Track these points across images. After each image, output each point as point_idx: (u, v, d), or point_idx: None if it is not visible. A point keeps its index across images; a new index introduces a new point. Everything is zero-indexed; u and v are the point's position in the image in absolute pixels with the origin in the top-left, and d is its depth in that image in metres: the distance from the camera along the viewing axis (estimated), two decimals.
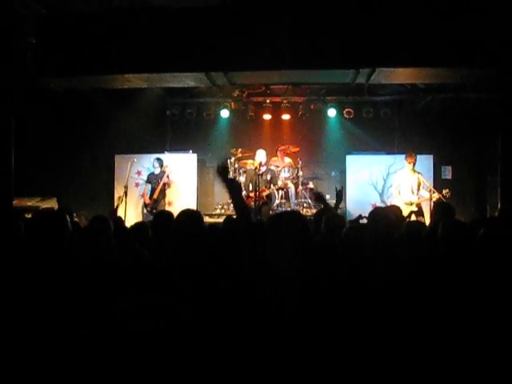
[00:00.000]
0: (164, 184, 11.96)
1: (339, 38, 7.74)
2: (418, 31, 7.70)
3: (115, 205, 7.29)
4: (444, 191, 9.96)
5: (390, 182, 12.32)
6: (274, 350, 2.76)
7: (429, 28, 7.70)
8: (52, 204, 11.96)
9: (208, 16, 7.96)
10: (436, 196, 10.08)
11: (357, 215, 11.02)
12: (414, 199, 10.47)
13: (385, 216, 5.34)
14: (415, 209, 10.39)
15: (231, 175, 12.91)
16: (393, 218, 5.61)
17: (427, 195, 10.41)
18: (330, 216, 5.33)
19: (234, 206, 4.25)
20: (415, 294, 3.29)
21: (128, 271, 3.69)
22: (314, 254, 3.37)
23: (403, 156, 11.49)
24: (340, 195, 6.60)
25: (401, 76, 8.88)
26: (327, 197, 13.29)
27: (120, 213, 11.76)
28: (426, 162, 11.96)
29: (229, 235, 4.36)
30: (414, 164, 10.65)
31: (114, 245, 4.80)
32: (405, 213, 9.53)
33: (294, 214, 3.38)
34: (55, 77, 8.44)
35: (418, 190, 10.60)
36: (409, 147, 12.76)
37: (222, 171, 4.19)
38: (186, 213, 3.90)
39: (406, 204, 10.29)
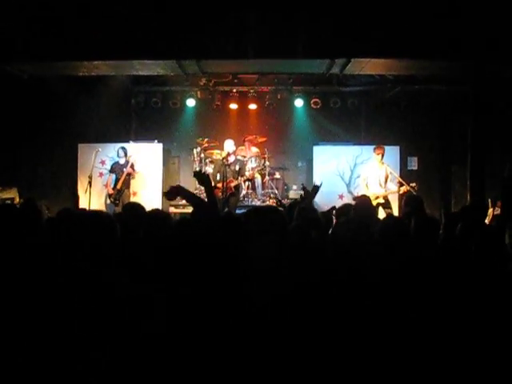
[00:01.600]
0: (128, 174, 11.75)
1: (316, 28, 7.65)
2: (393, 23, 7.69)
3: (78, 195, 7.11)
4: (412, 184, 9.98)
5: (357, 173, 12.35)
6: (254, 343, 2.68)
7: (404, 20, 7.70)
8: (13, 194, 11.69)
9: (180, 3, 7.77)
10: (404, 189, 10.11)
11: (325, 206, 11.10)
12: (382, 192, 10.45)
13: (367, 208, 5.36)
14: (382, 201, 10.39)
15: (197, 165, 12.78)
16: (372, 210, 5.65)
17: (395, 187, 10.45)
18: (302, 208, 5.25)
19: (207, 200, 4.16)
20: (397, 289, 3.25)
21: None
22: (294, 250, 3.32)
23: (370, 147, 11.57)
24: (316, 190, 6.58)
25: (375, 67, 8.87)
26: (294, 187, 13.44)
27: (84, 203, 11.56)
28: (392, 152, 11.97)
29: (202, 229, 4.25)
30: (383, 156, 10.65)
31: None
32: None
33: (274, 211, 3.32)
34: (19, 62, 8.15)
35: (386, 182, 10.60)
36: (376, 138, 12.84)
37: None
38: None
39: (373, 197, 10.27)
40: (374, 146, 11.01)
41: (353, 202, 8.84)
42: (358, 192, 11.74)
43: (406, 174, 11.71)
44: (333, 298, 3.00)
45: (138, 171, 12.09)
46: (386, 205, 10.46)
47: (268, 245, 3.08)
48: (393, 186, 10.51)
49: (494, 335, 2.99)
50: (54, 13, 7.70)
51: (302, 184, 6.90)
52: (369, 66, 8.55)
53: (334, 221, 5.79)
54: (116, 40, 7.67)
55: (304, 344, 2.70)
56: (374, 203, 10.15)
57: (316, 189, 6.69)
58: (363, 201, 6.05)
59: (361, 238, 3.72)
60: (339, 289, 3.11)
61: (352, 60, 7.99)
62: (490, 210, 10.32)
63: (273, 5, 7.60)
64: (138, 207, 4.86)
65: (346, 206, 5.98)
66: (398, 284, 3.33)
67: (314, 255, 3.67)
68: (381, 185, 10.55)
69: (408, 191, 9.94)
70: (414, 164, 13.17)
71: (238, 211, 10.72)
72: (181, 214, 11.69)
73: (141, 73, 9.42)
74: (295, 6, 7.59)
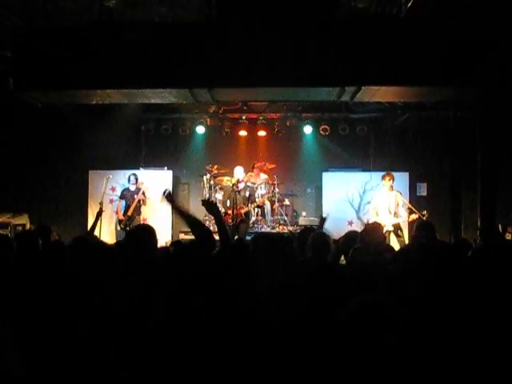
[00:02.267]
0: (139, 201, 11.82)
1: (326, 56, 7.71)
2: (404, 50, 7.74)
3: (92, 223, 7.14)
4: (423, 212, 9.88)
5: (367, 199, 12.38)
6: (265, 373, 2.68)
7: (414, 47, 7.74)
8: (23, 220, 11.78)
9: (193, 31, 7.85)
10: (414, 217, 10.03)
11: (334, 233, 11.07)
12: (392, 220, 10.35)
13: (377, 234, 5.36)
14: (391, 228, 10.31)
15: (207, 192, 12.82)
16: (382, 237, 5.65)
17: (405, 214, 10.36)
18: (317, 235, 5.27)
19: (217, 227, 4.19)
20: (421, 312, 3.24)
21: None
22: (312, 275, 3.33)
23: (380, 173, 11.53)
24: (323, 221, 6.85)
25: (385, 94, 8.90)
26: (303, 214, 13.45)
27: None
28: (401, 179, 12.01)
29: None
30: (392, 182, 10.58)
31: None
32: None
33: (284, 238, 3.36)
34: (34, 91, 8.25)
35: (397, 209, 10.51)
36: (385, 164, 12.87)
37: (207, 205, 4.24)
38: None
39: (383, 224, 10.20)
40: (382, 173, 10.97)
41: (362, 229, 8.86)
42: (369, 218, 11.74)
43: (415, 200, 11.70)
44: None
45: (149, 198, 12.16)
46: (396, 232, 10.40)
47: (277, 270, 3.11)
48: (403, 213, 10.43)
49: None
50: (68, 42, 7.81)
51: (321, 215, 7.11)
52: (379, 94, 8.59)
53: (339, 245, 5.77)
54: (129, 69, 7.73)
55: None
56: (384, 231, 10.12)
57: (323, 220, 6.85)
58: (372, 228, 6.03)
59: (379, 263, 3.72)
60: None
61: (362, 88, 8.03)
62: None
63: (283, 33, 7.68)
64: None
65: (352, 233, 5.93)
66: (422, 306, 3.32)
67: (333, 279, 3.67)
68: (390, 212, 10.47)
69: (418, 219, 9.88)
70: (423, 190, 13.17)
71: (247, 238, 10.72)
72: (190, 241, 11.66)
73: (153, 101, 9.47)
74: (305, 33, 7.67)
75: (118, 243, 5.79)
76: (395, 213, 10.46)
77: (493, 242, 6.31)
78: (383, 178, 10.72)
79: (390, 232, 10.20)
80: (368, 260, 4.14)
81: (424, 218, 9.76)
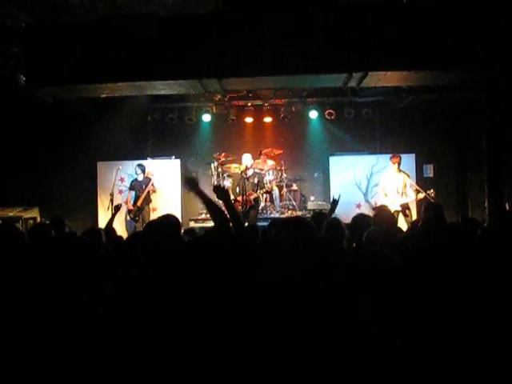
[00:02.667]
0: (149, 191, 11.95)
1: (333, 43, 7.77)
2: (409, 35, 7.79)
3: (110, 217, 7.21)
4: (429, 191, 10.07)
5: (374, 182, 12.50)
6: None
7: (418, 32, 7.79)
8: (34, 214, 11.88)
9: (200, 23, 7.93)
10: (421, 196, 10.22)
11: (343, 216, 11.21)
12: (400, 200, 10.56)
13: (388, 217, 5.46)
14: (399, 208, 10.50)
15: (215, 179, 12.91)
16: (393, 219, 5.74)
17: (413, 194, 10.54)
18: (331, 221, 5.35)
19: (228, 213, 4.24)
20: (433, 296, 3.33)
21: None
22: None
23: (386, 156, 11.82)
24: (336, 202, 6.77)
25: (391, 79, 8.96)
26: (312, 198, 13.54)
27: (105, 220, 11.72)
28: (408, 160, 12.10)
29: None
30: (399, 164, 10.78)
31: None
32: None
33: (304, 223, 3.43)
34: (46, 87, 8.34)
35: (404, 189, 10.69)
36: (391, 147, 12.97)
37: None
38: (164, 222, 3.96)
39: (392, 204, 10.36)
40: (390, 155, 11.12)
41: (371, 212, 9.01)
42: (376, 201, 11.92)
43: (422, 182, 11.81)
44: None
45: (158, 187, 12.28)
46: (404, 211, 10.59)
47: (297, 256, 3.18)
48: (411, 193, 10.61)
49: None
50: (77, 37, 7.89)
51: (333, 196, 7.07)
52: (385, 79, 8.66)
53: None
54: (138, 62, 7.81)
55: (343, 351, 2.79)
56: (392, 211, 10.28)
57: (335, 202, 6.90)
58: (383, 210, 6.12)
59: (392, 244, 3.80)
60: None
61: (369, 73, 8.09)
62: None
63: (289, 21, 7.74)
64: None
65: (360, 217, 5.96)
66: (431, 289, 3.41)
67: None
68: (399, 192, 10.66)
69: (425, 198, 10.03)
70: (429, 171, 13.23)
71: (258, 223, 10.85)
72: (200, 228, 11.78)
73: (163, 92, 9.57)
74: (311, 21, 7.72)
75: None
76: (403, 193, 10.64)
77: (502, 220, 6.40)
78: (390, 159, 10.94)
79: (398, 212, 10.39)
80: (382, 242, 4.23)
81: (431, 197, 9.93)
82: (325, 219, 5.56)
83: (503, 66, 7.93)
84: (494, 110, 9.63)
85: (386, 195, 10.82)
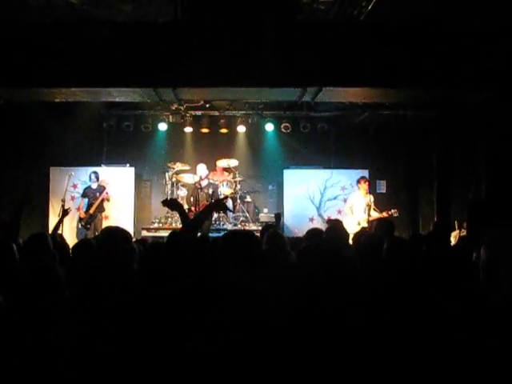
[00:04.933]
0: (102, 199, 11.82)
1: (288, 57, 7.84)
2: (364, 53, 7.92)
3: (57, 222, 7.09)
4: (392, 211, 10.44)
5: (327, 196, 12.67)
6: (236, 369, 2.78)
7: (373, 50, 7.93)
8: None
9: (158, 31, 7.91)
10: (385, 215, 10.55)
11: (295, 229, 11.30)
12: (365, 217, 10.82)
13: (340, 231, 5.52)
14: (366, 225, 10.73)
15: (169, 189, 12.84)
16: (345, 234, 5.81)
17: (376, 214, 10.82)
18: (272, 232, 5.37)
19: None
20: (372, 309, 3.39)
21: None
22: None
23: (340, 170, 12.62)
24: (278, 217, 7.00)
25: (345, 95, 9.12)
26: (265, 210, 13.59)
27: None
28: (361, 176, 12.24)
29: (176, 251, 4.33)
30: (368, 187, 11.19)
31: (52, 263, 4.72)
32: (357, 229, 10.00)
33: (249, 236, 3.45)
34: None
35: (369, 211, 10.94)
36: (345, 162, 13.16)
37: (170, 203, 4.27)
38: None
39: (357, 222, 10.62)
40: (358, 177, 11.56)
41: (323, 226, 9.10)
42: (329, 215, 12.13)
43: (375, 197, 11.95)
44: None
45: (110, 195, 12.15)
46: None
47: (244, 268, 3.20)
48: (375, 214, 10.90)
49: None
50: (33, 39, 7.77)
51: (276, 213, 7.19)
52: (340, 94, 8.82)
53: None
54: (94, 68, 7.74)
55: (290, 363, 2.81)
56: (359, 228, 10.51)
57: (278, 216, 7.00)
58: (336, 224, 6.18)
59: (332, 261, 3.84)
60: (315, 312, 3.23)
61: (323, 89, 8.20)
62: (457, 232, 10.63)
63: (246, 34, 7.78)
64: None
65: (315, 230, 6.02)
66: (373, 303, 3.47)
67: (292, 276, 3.79)
68: (365, 211, 10.90)
69: (390, 215, 10.44)
70: (382, 187, 13.42)
71: (210, 234, 10.84)
72: (153, 237, 11.70)
73: (117, 99, 9.51)
74: (268, 34, 7.79)
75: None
76: (369, 214, 10.87)
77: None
78: (359, 181, 11.37)
79: (363, 228, 10.60)
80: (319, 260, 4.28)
81: (394, 217, 10.30)
82: None
83: (453, 86, 8.14)
84: (444, 128, 9.86)
85: (352, 212, 11.06)
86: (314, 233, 5.81)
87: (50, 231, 6.60)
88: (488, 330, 2.86)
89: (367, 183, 11.25)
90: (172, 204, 4.35)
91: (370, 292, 3.63)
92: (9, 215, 11.18)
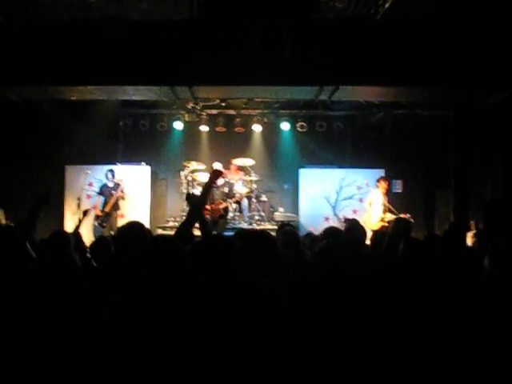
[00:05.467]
0: (118, 197, 11.85)
1: (305, 56, 7.82)
2: (380, 51, 7.88)
3: (78, 222, 7.11)
4: (407, 215, 10.45)
5: (343, 195, 12.63)
6: (253, 367, 2.77)
7: (389, 49, 7.90)
8: None
9: (174, 29, 7.93)
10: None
11: (310, 228, 11.28)
12: (381, 216, 10.83)
13: (359, 230, 5.50)
14: (386, 224, 10.70)
15: (185, 187, 12.86)
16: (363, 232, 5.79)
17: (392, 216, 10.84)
18: (285, 231, 5.34)
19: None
20: (386, 304, 3.38)
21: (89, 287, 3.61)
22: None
23: (356, 170, 12.66)
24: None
25: (362, 94, 9.10)
26: (281, 210, 13.55)
27: (71, 225, 11.57)
28: (377, 175, 12.17)
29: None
30: (388, 187, 11.33)
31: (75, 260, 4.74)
32: (377, 227, 10.38)
33: (267, 236, 3.44)
34: (15, 86, 8.24)
35: (385, 210, 10.96)
36: (361, 161, 13.10)
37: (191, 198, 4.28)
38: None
39: (378, 219, 10.73)
40: (377, 177, 11.58)
41: (339, 225, 9.07)
42: (344, 214, 12.11)
43: (391, 197, 11.89)
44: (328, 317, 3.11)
45: (126, 194, 12.18)
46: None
47: (261, 268, 3.19)
48: (389, 215, 10.91)
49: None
50: (49, 38, 7.81)
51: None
52: (356, 93, 8.79)
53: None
54: (111, 66, 7.77)
55: (305, 362, 2.80)
56: (379, 225, 10.49)
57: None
58: (355, 223, 6.16)
59: (351, 258, 3.83)
60: (334, 307, 3.22)
61: (340, 87, 8.17)
62: (473, 232, 10.54)
63: (263, 33, 7.77)
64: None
65: (332, 229, 6.00)
66: (388, 299, 3.46)
67: (307, 275, 3.77)
68: (382, 210, 10.91)
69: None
70: (398, 187, 13.35)
71: (225, 233, 10.84)
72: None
73: (134, 98, 9.55)
74: (285, 33, 7.77)
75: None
76: (384, 213, 10.88)
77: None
78: (378, 181, 11.38)
79: (383, 226, 10.59)
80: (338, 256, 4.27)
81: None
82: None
83: (471, 85, 8.07)
84: (462, 128, 9.79)
85: (370, 206, 11.20)
86: (331, 231, 5.79)
87: (71, 230, 6.60)
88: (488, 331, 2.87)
89: (387, 183, 11.27)
90: (195, 200, 4.35)
91: (385, 291, 3.63)
92: (25, 213, 11.45)
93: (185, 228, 4.06)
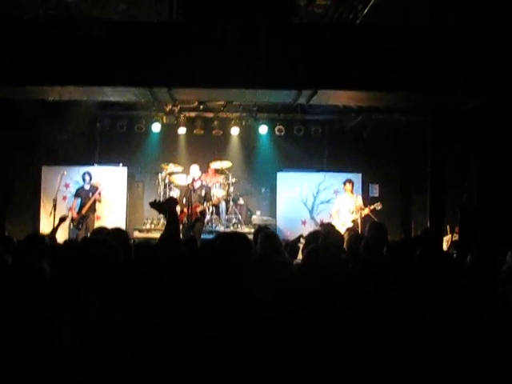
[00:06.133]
0: (94, 200, 11.74)
1: (283, 60, 7.83)
2: (358, 56, 7.92)
3: (54, 226, 7.06)
4: (375, 204, 10.52)
5: (320, 199, 12.67)
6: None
7: (368, 53, 7.93)
8: None
9: (153, 31, 7.89)
10: (367, 211, 10.59)
11: (288, 232, 11.29)
12: (351, 217, 10.87)
13: (337, 234, 5.52)
14: (350, 225, 10.74)
15: (162, 190, 12.81)
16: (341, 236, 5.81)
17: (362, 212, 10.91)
18: (266, 235, 5.33)
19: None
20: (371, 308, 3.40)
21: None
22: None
23: (333, 174, 12.60)
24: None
25: (340, 98, 9.13)
26: (258, 213, 13.57)
27: (47, 226, 11.45)
28: (354, 180, 12.22)
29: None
30: (352, 188, 11.34)
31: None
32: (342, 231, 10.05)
33: (243, 238, 3.42)
34: None
35: (360, 210, 11.04)
36: (338, 165, 13.17)
37: (156, 206, 4.19)
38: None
39: (342, 224, 10.61)
40: (338, 176, 11.54)
41: (317, 228, 9.11)
42: (322, 218, 12.14)
43: (368, 201, 11.96)
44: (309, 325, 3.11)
45: (103, 196, 12.08)
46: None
47: (238, 270, 3.18)
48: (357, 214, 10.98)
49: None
50: (26, 36, 7.71)
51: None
52: (334, 97, 8.83)
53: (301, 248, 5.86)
54: (89, 66, 7.70)
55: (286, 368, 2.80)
56: (343, 230, 10.51)
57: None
58: (331, 228, 6.19)
59: (334, 263, 3.84)
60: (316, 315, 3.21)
61: (318, 91, 8.20)
62: (449, 237, 10.64)
63: (241, 35, 7.76)
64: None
65: (315, 233, 6.01)
66: (373, 303, 3.48)
67: (287, 281, 3.77)
68: (351, 212, 10.95)
69: (373, 211, 10.48)
70: (375, 191, 13.44)
71: (202, 236, 10.81)
72: (144, 238, 11.67)
73: (112, 98, 9.49)
74: (264, 36, 7.78)
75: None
76: (353, 212, 10.93)
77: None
78: (344, 184, 11.45)
79: (348, 228, 10.59)
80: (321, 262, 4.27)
81: (378, 208, 10.76)
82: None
83: (447, 91, 8.15)
84: (438, 133, 9.88)
85: (338, 216, 11.11)
86: (315, 235, 5.77)
87: (46, 233, 6.53)
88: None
89: (351, 184, 11.35)
90: (160, 206, 4.25)
91: (371, 294, 3.65)
92: None
93: (169, 234, 4.00)
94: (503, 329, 3.21)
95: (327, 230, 6.00)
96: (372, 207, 10.82)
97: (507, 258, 4.07)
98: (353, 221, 10.84)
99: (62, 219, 7.38)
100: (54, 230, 6.72)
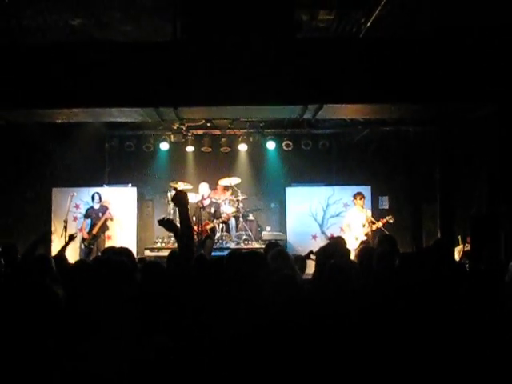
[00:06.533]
0: (106, 219, 11.80)
1: (288, 75, 7.85)
2: (364, 70, 7.93)
3: (63, 245, 7.06)
4: (387, 217, 10.45)
5: (330, 213, 12.63)
6: None
7: (372, 66, 7.95)
8: None
9: (158, 51, 7.95)
10: (378, 225, 10.52)
11: (298, 247, 11.24)
12: (363, 231, 10.81)
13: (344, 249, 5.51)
14: (364, 238, 10.72)
15: (171, 209, 12.83)
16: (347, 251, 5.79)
17: (374, 227, 10.84)
18: (276, 252, 5.32)
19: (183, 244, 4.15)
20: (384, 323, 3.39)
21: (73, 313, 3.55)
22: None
23: (342, 187, 12.53)
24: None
25: (347, 112, 9.14)
26: (268, 229, 13.55)
27: (58, 248, 11.46)
28: (364, 192, 12.21)
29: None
30: (363, 202, 11.19)
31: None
32: (356, 245, 10.17)
33: (258, 256, 3.43)
34: (0, 110, 8.20)
35: (371, 224, 10.96)
36: (347, 178, 13.15)
37: (165, 224, 4.21)
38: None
39: (354, 238, 10.60)
40: (352, 192, 11.48)
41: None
42: (332, 232, 12.12)
43: (377, 213, 11.93)
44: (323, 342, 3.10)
45: (113, 215, 12.13)
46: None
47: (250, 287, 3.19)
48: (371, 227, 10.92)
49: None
50: (33, 61, 7.79)
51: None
52: (341, 111, 8.84)
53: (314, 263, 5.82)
54: (95, 88, 7.76)
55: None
56: (357, 242, 10.48)
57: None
58: (339, 242, 6.17)
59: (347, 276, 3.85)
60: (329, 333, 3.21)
61: (324, 106, 8.20)
62: (461, 247, 10.59)
63: (246, 52, 7.80)
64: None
65: (331, 247, 5.95)
66: (387, 315, 3.47)
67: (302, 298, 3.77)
68: (364, 226, 10.89)
69: (385, 224, 10.50)
70: (385, 203, 13.40)
71: (213, 253, 10.81)
72: (155, 257, 11.67)
73: (119, 119, 9.55)
74: (268, 53, 7.81)
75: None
76: (364, 225, 10.87)
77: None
78: (354, 197, 11.24)
79: (362, 241, 10.57)
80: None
81: (390, 221, 10.64)
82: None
83: (453, 101, 8.15)
84: (447, 143, 9.87)
85: (350, 229, 11.02)
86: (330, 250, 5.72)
87: (55, 254, 6.54)
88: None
89: (362, 199, 11.19)
90: (169, 224, 4.28)
91: (386, 306, 3.65)
92: (10, 238, 11.36)
93: (185, 247, 4.02)
94: None
95: (334, 242, 5.98)
96: (384, 220, 10.71)
97: (509, 268, 4.05)
98: (366, 234, 10.78)
99: (71, 237, 7.38)
100: (64, 247, 6.72)
